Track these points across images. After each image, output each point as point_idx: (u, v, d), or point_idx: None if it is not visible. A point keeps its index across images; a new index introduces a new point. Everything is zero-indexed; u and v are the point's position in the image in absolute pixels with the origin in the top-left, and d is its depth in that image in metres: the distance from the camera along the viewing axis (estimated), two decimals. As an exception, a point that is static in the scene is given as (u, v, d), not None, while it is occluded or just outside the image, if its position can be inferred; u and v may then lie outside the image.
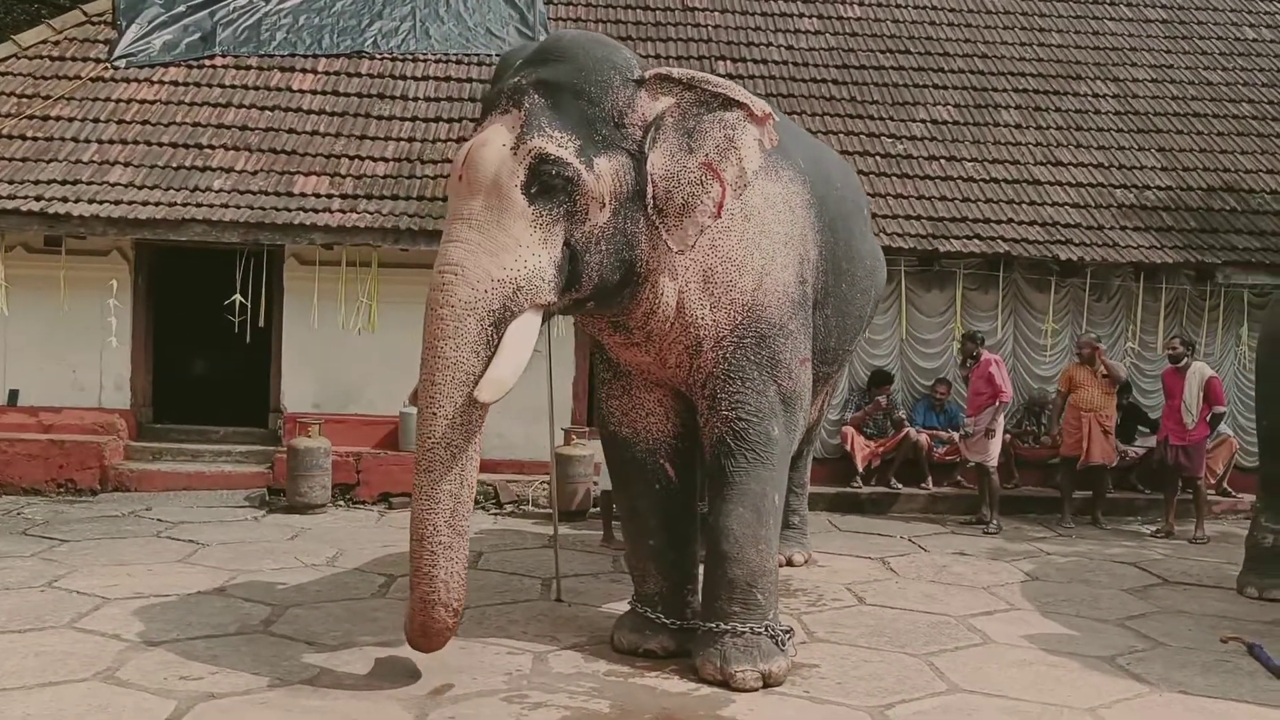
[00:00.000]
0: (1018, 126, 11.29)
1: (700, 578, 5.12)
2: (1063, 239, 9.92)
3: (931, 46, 12.19)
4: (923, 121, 11.14)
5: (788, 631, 4.86)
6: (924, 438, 9.91)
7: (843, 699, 4.58)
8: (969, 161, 10.75)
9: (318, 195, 9.49)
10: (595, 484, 8.55)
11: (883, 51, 12.06)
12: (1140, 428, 10.28)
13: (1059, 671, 5.06)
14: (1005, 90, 11.74)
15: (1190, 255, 9.94)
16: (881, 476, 9.92)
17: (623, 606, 6.04)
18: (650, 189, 4.40)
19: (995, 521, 8.85)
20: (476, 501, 9.06)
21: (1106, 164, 10.98)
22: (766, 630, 4.76)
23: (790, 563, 7.03)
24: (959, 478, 10.06)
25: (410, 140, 10.22)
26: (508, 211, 4.17)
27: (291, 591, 6.10)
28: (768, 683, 4.65)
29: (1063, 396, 9.34)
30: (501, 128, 4.27)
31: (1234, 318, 10.33)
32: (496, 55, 11.31)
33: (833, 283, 5.54)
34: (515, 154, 4.18)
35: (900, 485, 9.84)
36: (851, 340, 6.30)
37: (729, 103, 4.49)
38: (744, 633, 4.71)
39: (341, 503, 9.08)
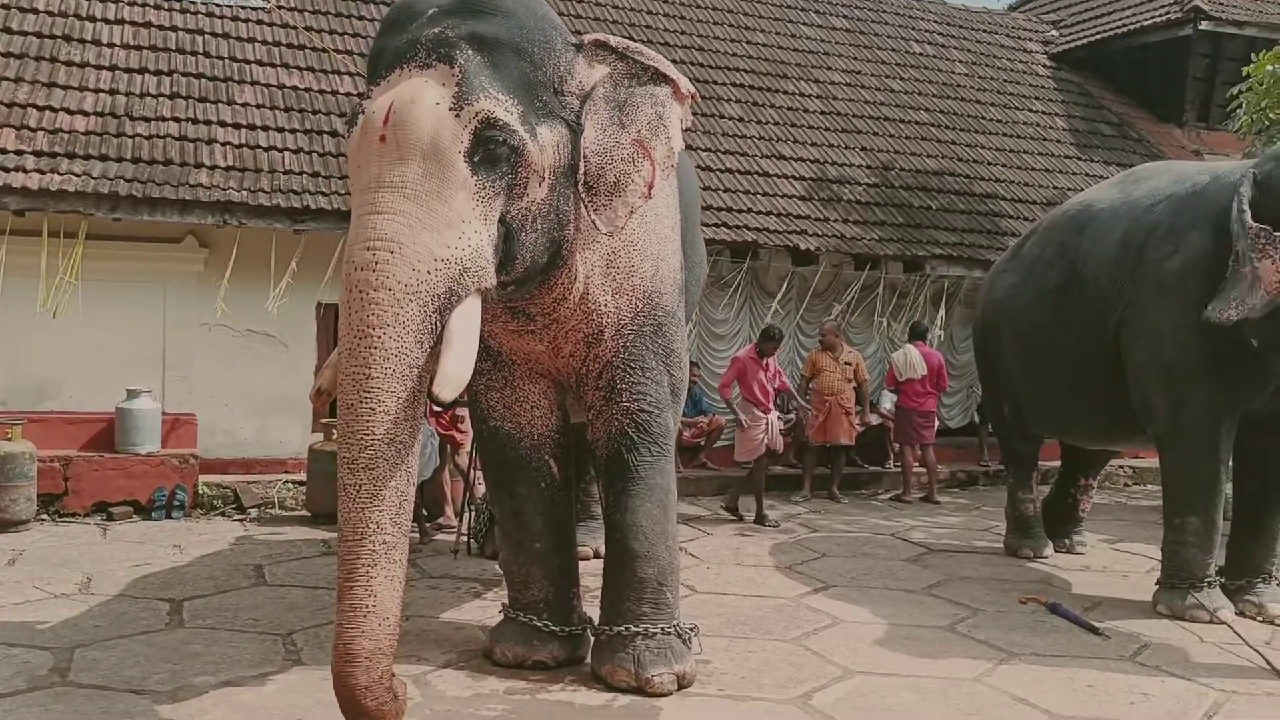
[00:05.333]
0: (741, 119, 11.75)
1: (580, 579, 4.86)
2: (797, 229, 10.45)
3: (653, 36, 12.37)
4: (656, 109, 11.26)
5: (693, 629, 4.69)
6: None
7: (761, 693, 4.48)
8: (703, 151, 11.02)
9: (4, 151, 7.98)
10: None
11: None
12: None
13: (921, 645, 5.25)
14: (725, 84, 12.17)
15: (904, 249, 10.82)
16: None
17: (462, 615, 5.63)
18: (583, 164, 4.05)
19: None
20: (214, 506, 8.22)
21: (821, 160, 11.68)
22: (676, 630, 4.57)
23: (598, 555, 6.83)
24: (704, 460, 10.32)
25: (112, 93, 8.87)
26: (449, 181, 3.64)
27: (63, 630, 5.07)
28: (681, 684, 4.45)
29: (806, 381, 9.84)
30: (429, 84, 3.70)
31: (938, 304, 11.39)
32: (221, 4, 10.14)
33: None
34: (458, 116, 3.66)
35: (653, 469, 9.91)
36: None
37: (659, 77, 4.23)
38: (656, 634, 4.49)
39: (46, 516, 7.73)
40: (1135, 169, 7.31)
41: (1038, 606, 6.07)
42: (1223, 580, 6.02)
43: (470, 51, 3.78)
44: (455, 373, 3.61)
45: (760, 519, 8.58)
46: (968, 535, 8.42)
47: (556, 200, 4.03)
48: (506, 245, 3.88)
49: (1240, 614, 5.87)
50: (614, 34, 11.52)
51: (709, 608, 5.85)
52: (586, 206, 4.12)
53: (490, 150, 3.71)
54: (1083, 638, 5.51)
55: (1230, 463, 6.01)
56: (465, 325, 3.69)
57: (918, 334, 10.15)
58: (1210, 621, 5.71)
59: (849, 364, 9.74)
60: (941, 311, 11.31)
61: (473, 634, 5.20)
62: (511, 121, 3.76)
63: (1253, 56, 10.35)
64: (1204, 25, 14.04)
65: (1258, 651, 5.15)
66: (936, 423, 10.36)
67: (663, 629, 4.51)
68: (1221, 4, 14.45)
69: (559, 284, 4.30)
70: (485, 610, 5.65)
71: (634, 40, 11.67)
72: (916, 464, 10.14)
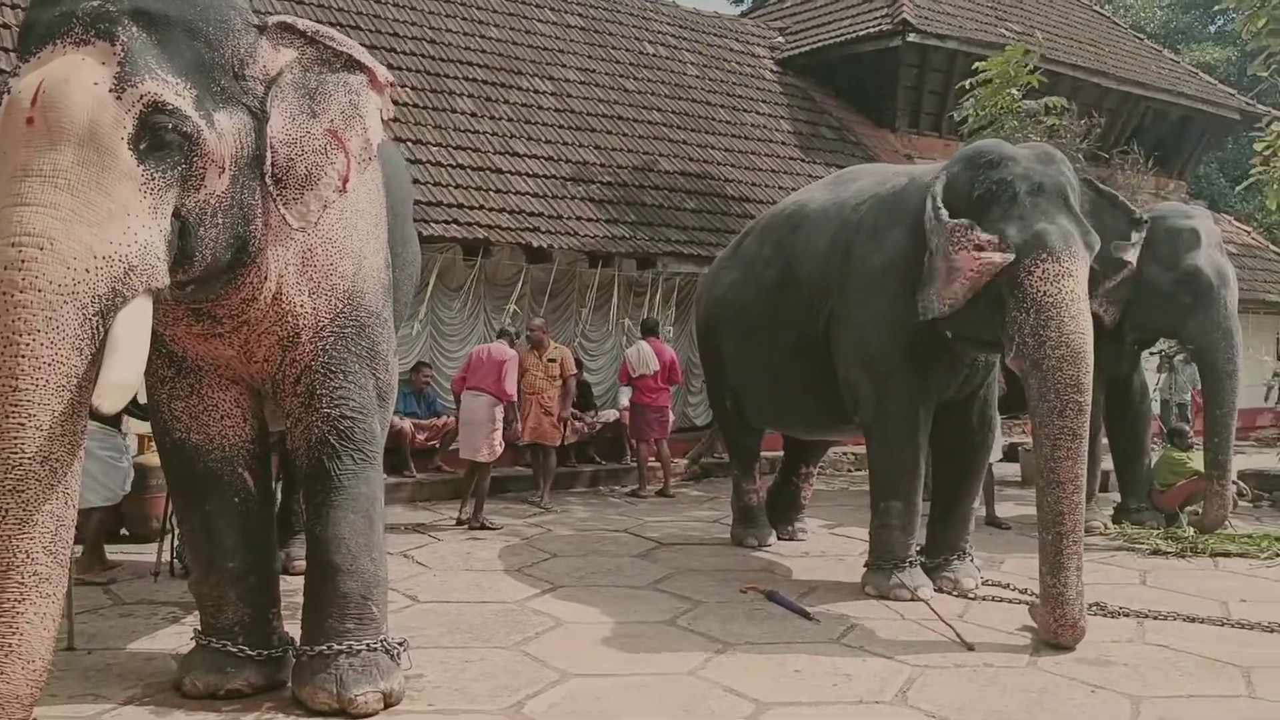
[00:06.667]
0: (474, 115, 11.55)
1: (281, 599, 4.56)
2: (530, 226, 10.36)
3: (381, 25, 11.98)
4: (383, 102, 10.89)
5: (402, 643, 4.48)
6: (406, 424, 9.76)
7: (471, 705, 4.34)
8: (434, 146, 10.76)
9: None
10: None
11: (330, 25, 11.51)
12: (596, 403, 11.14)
13: (641, 641, 5.26)
14: (458, 78, 11.94)
15: (637, 246, 10.95)
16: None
17: (155, 644, 5.21)
18: (270, 155, 3.77)
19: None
20: None
21: (555, 157, 11.66)
22: (383, 645, 4.34)
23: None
24: (439, 463, 10.07)
25: None
26: (111, 170, 3.28)
27: None
28: (388, 702, 4.24)
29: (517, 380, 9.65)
30: (86, 62, 3.33)
31: (670, 301, 11.60)
32: None
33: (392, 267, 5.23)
34: (120, 99, 3.30)
35: (385, 475, 9.56)
36: (397, 330, 6.00)
37: (353, 64, 4.00)
38: (360, 651, 4.25)
39: None
40: (844, 171, 7.67)
41: (757, 595, 6.23)
42: (923, 559, 6.39)
43: (135, 29, 3.44)
44: (119, 380, 3.28)
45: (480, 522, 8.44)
46: (700, 528, 8.60)
47: (240, 193, 3.74)
48: (182, 241, 3.56)
49: (939, 590, 6.24)
50: (341, 25, 11.22)
51: (429, 617, 5.66)
52: (275, 200, 3.86)
53: (159, 137, 3.39)
54: (796, 623, 5.69)
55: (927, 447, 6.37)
56: (132, 329, 3.35)
57: (649, 329, 10.30)
58: (911, 599, 6.03)
59: (552, 361, 9.51)
60: (673, 309, 11.53)
61: (164, 665, 4.78)
62: (183, 106, 3.45)
63: (956, 67, 11.18)
64: (912, 37, 14.99)
65: (950, 626, 5.47)
66: (671, 417, 10.55)
67: (368, 645, 4.29)
68: (927, 18, 15.49)
69: (247, 283, 4.00)
70: (183, 638, 5.19)
71: (363, 32, 11.35)
72: (652, 459, 10.28)
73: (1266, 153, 10.90)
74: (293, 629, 4.53)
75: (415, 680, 4.56)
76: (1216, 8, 16.65)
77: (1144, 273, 8.08)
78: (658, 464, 10.31)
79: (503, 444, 8.73)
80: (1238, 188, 18.12)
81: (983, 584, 6.42)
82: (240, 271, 3.93)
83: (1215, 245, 8.23)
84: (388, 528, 7.94)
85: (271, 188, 3.82)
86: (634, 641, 5.27)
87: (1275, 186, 10.95)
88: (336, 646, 4.23)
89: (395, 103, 10.54)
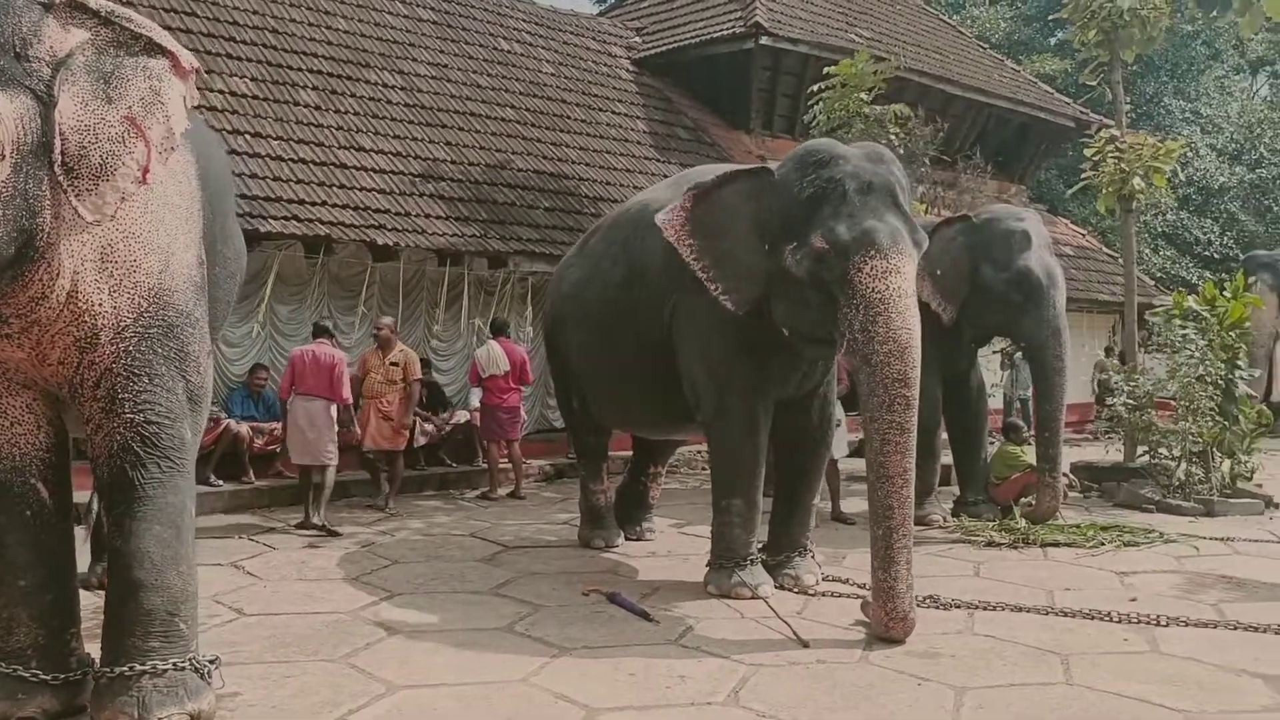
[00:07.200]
0: (318, 108, 11.19)
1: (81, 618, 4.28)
2: (376, 224, 10.08)
3: (220, 14, 11.49)
4: (221, 92, 10.47)
5: (214, 660, 4.24)
6: (244, 429, 9.37)
7: (288, 724, 4.16)
8: (274, 139, 10.37)
9: None
10: None
11: (166, 10, 11.03)
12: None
13: (475, 649, 5.13)
14: (301, 69, 11.55)
15: (487, 244, 10.77)
16: (198, 475, 9.13)
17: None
18: (59, 142, 3.50)
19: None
20: None
21: (404, 153, 11.39)
22: (191, 664, 4.09)
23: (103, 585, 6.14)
24: (280, 468, 9.71)
25: None
26: None
27: None
28: (196, 724, 4.03)
29: (359, 382, 9.36)
30: None
31: (525, 301, 11.46)
32: None
33: (209, 264, 4.96)
34: None
35: (221, 482, 9.20)
36: (218, 329, 5.71)
37: (154, 48, 3.76)
38: (166, 670, 3.99)
39: None
40: (686, 171, 7.68)
41: (599, 597, 6.15)
42: (765, 557, 6.43)
43: None
44: None
45: (320, 527, 8.20)
46: (551, 530, 8.49)
47: (23, 182, 3.47)
48: None
49: (780, 587, 6.28)
50: (176, 10, 10.73)
51: (254, 631, 5.41)
52: (66, 191, 3.60)
53: (-76, 120, 3.11)
54: (636, 625, 5.63)
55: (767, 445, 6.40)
56: None
57: (499, 329, 10.13)
58: (752, 598, 6.05)
59: (395, 364, 9.13)
60: (528, 308, 11.40)
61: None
62: None
63: (808, 70, 11.37)
64: (764, 41, 15.20)
65: (786, 623, 5.50)
66: (523, 418, 10.42)
67: (175, 664, 4.04)
68: (780, 22, 15.73)
69: (35, 280, 3.72)
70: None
71: (199, 19, 10.86)
72: (503, 460, 10.12)
73: (1095, 158, 11.39)
74: (96, 650, 4.25)
75: (229, 700, 4.34)
76: (1052, 17, 17.40)
77: (979, 273, 8.36)
78: (510, 465, 10.16)
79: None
80: (1069, 192, 18.96)
81: (823, 580, 6.49)
82: (27, 267, 3.66)
83: (1045, 246, 8.53)
84: (220, 537, 7.76)
85: (62, 177, 3.56)
86: (468, 649, 5.14)
87: (1105, 191, 11.44)
88: (139, 667, 3.97)
89: (233, 94, 10.24)
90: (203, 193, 4.63)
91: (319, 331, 8.74)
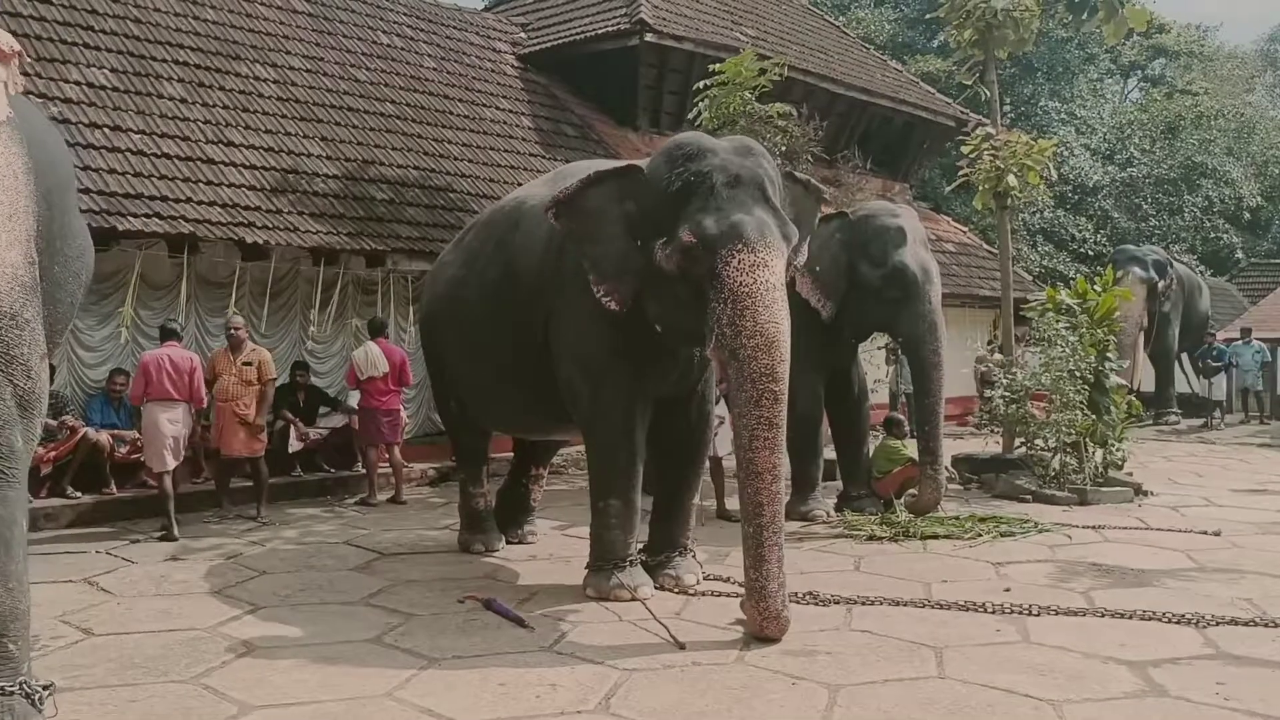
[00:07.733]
0: (184, 100, 10.72)
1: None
2: (245, 221, 9.69)
3: (77, 1, 10.91)
4: (77, 84, 9.94)
5: (47, 687, 3.94)
6: (104, 437, 8.90)
7: (126, 752, 3.89)
8: (135, 133, 9.89)
9: None
10: None
11: (16, -2, 10.45)
12: (322, 408, 10.56)
13: (339, 664, 4.90)
14: (166, 61, 11.06)
15: (363, 243, 10.45)
16: (55, 486, 8.68)
17: None
18: None
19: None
20: None
21: (276, 149, 10.99)
22: (21, 688, 3.79)
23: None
24: (144, 478, 9.24)
25: None
26: None
27: None
28: (23, 755, 3.74)
29: (210, 384, 8.97)
30: None
31: (405, 300, 11.16)
32: None
33: (46, 263, 4.64)
34: None
35: (79, 493, 8.73)
36: (61, 332, 5.37)
37: (-38, 27, 3.46)
38: (-10, 698, 3.72)
39: None
40: (563, 167, 7.53)
41: (476, 604, 5.97)
42: (645, 557, 6.32)
43: None
44: None
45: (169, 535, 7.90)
46: (431, 536, 8.24)
47: None
48: None
49: (660, 588, 6.17)
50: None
51: (101, 653, 5.08)
52: None
53: None
54: (511, 632, 5.47)
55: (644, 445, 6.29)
56: None
57: (378, 329, 9.83)
58: (631, 599, 5.93)
59: (249, 364, 8.73)
60: (408, 308, 11.11)
61: None
62: None
63: (695, 68, 11.30)
64: (649, 38, 15.12)
65: (663, 625, 5.39)
66: (404, 420, 10.14)
67: (4, 689, 3.72)
68: (664, 19, 15.68)
69: None
70: None
71: (54, 7, 10.29)
72: (383, 464, 9.83)
73: (972, 156, 11.59)
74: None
75: (63, 727, 4.04)
76: (929, 16, 17.72)
77: (856, 270, 8.39)
78: (391, 470, 9.88)
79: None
80: (948, 189, 19.36)
81: (704, 579, 6.41)
82: None
83: (920, 242, 8.61)
84: (75, 552, 7.35)
85: None
86: (331, 664, 4.90)
87: (981, 188, 11.65)
88: (-39, 694, 3.67)
89: (90, 85, 9.74)
90: (35, 187, 4.33)
91: (167, 334, 8.39)
